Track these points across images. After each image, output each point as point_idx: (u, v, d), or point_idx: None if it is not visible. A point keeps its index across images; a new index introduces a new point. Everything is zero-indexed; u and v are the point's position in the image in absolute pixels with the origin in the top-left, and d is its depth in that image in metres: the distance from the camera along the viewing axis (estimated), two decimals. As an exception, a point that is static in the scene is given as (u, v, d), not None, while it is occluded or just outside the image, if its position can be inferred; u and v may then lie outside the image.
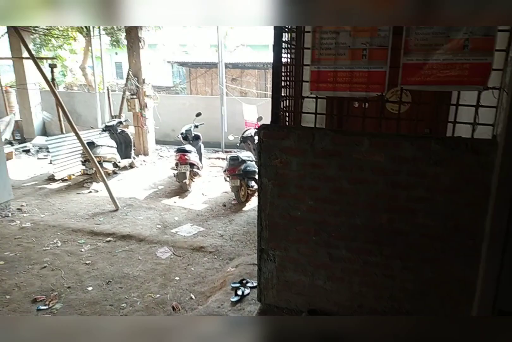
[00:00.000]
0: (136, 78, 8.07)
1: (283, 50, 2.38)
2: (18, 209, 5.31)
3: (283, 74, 2.46)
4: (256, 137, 6.30)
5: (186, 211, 5.48)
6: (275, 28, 2.29)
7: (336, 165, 2.33)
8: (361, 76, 2.29)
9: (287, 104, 2.66)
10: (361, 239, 2.41)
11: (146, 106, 8.29)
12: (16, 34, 5.68)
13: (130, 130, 8.15)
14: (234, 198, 5.83)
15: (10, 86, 9.98)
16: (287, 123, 2.72)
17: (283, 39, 2.37)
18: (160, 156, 8.59)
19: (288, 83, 2.63)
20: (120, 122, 7.49)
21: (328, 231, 2.51)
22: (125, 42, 9.03)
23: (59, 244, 4.36)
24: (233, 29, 17.09)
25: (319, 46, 2.24)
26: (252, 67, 13.59)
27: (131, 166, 7.60)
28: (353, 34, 2.21)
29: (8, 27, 7.60)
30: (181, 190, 6.27)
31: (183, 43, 23.15)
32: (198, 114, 7.04)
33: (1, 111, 9.22)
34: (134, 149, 7.89)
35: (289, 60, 2.60)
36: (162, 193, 6.21)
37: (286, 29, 2.44)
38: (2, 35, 9.34)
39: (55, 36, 10.98)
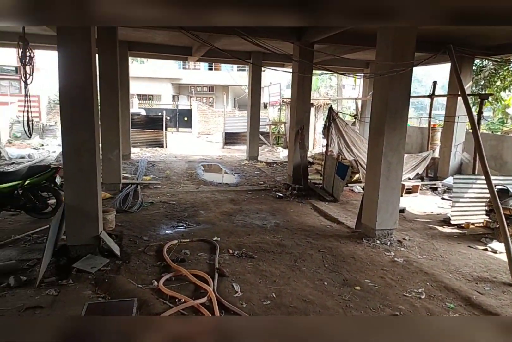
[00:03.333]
0: None
1: None
2: (399, 241, 4.96)
3: None
4: None
5: None
6: None
7: None
8: None
9: None
10: None
11: None
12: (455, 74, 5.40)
13: None
14: None
15: (439, 125, 10.12)
16: None
17: None
18: None
19: None
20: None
21: None
22: None
23: (422, 296, 3.55)
24: None
25: None
26: None
27: (558, 234, 5.41)
28: None
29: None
30: None
31: None
32: None
33: (423, 147, 9.51)
34: None
35: None
36: None
37: None
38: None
39: (501, 77, 10.02)
